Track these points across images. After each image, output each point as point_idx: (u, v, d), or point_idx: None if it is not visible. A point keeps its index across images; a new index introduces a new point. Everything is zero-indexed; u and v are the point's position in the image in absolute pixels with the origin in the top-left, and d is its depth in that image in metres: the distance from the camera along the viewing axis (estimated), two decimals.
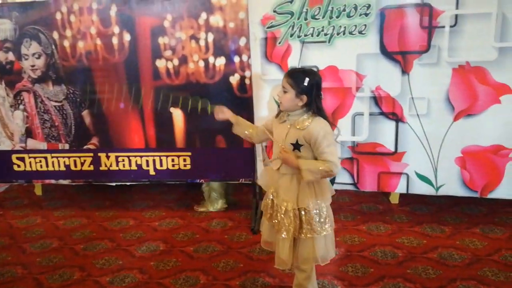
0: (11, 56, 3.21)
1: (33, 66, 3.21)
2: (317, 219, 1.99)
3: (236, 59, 3.03)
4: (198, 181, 3.38)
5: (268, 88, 2.98)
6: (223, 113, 2.31)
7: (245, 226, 3.24)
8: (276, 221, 2.06)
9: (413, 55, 2.74)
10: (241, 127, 2.30)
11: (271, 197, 2.11)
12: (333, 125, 2.04)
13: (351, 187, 3.10)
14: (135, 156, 3.33)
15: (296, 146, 1.97)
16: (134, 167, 3.34)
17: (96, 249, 2.97)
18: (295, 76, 1.93)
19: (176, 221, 3.38)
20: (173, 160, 3.31)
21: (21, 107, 3.31)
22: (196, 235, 3.13)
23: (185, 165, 3.30)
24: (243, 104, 3.11)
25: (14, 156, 3.43)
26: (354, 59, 2.80)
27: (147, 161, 3.32)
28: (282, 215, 2.02)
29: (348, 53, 2.80)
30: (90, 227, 3.33)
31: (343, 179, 3.07)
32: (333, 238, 2.12)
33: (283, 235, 2.02)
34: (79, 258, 2.86)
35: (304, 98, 1.91)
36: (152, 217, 3.47)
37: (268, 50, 2.91)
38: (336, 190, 3.14)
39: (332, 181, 3.07)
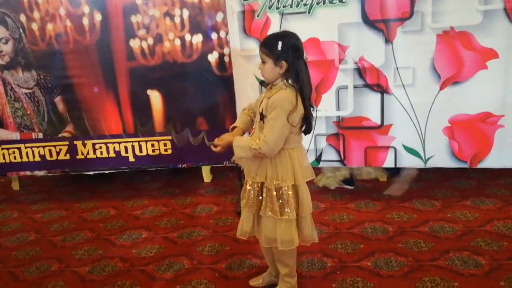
0: None
1: (0, 52, 3.05)
2: (277, 200, 1.85)
3: (214, 35, 2.92)
4: (180, 166, 3.27)
5: (248, 64, 2.87)
6: (221, 141, 1.93)
7: (231, 210, 3.14)
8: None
9: (396, 23, 2.64)
10: (243, 122, 2.01)
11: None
12: (304, 98, 1.80)
13: (338, 164, 3.01)
14: (113, 143, 3.20)
15: (261, 116, 1.84)
16: (112, 154, 3.22)
17: (75, 240, 2.84)
18: (269, 42, 1.81)
19: (159, 209, 3.26)
20: (153, 145, 3.19)
21: None
22: (180, 221, 3.01)
23: (165, 150, 3.19)
24: (223, 83, 3.01)
25: None
26: (336, 30, 2.70)
27: (125, 147, 3.20)
28: (245, 185, 1.94)
29: (329, 23, 2.69)
30: (69, 218, 3.19)
31: (329, 156, 2.98)
32: (306, 224, 1.94)
33: (243, 204, 1.95)
34: (57, 250, 2.73)
35: (283, 64, 1.78)
36: (134, 206, 3.34)
37: (246, 24, 2.79)
38: (321, 168, 3.06)
39: (318, 159, 2.99)
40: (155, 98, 3.09)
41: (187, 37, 2.93)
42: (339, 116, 2.88)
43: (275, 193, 1.84)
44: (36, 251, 2.72)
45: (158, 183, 3.84)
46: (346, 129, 2.89)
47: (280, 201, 1.85)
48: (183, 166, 3.27)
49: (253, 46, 2.81)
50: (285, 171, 1.84)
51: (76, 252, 2.67)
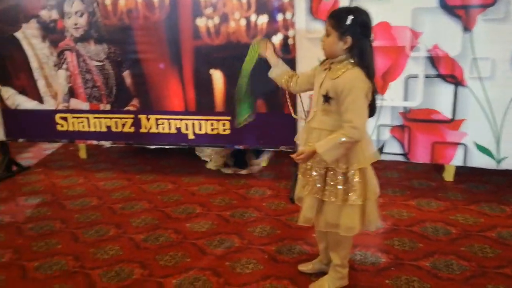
0: (54, 14, 3.22)
1: (75, 24, 3.20)
2: (342, 185, 1.77)
3: (279, 16, 2.85)
4: (237, 147, 3.28)
5: (313, 47, 2.78)
6: (265, 48, 2.10)
7: (284, 195, 3.10)
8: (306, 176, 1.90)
9: (477, 9, 2.43)
10: (280, 71, 2.08)
11: None
12: (370, 80, 1.71)
13: (401, 158, 2.86)
14: (175, 119, 3.26)
15: (326, 98, 1.75)
16: (173, 130, 3.29)
17: (133, 208, 2.96)
18: (337, 15, 1.71)
19: (214, 187, 3.31)
20: (212, 125, 3.21)
21: (64, 66, 3.33)
22: (233, 201, 3.04)
23: (224, 130, 3.20)
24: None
25: (57, 116, 3.48)
26: (409, 14, 2.54)
27: (186, 124, 3.25)
28: (308, 171, 1.86)
29: (403, 7, 2.54)
30: (130, 188, 3.34)
31: (392, 148, 2.84)
32: (373, 207, 1.86)
33: (306, 191, 1.87)
34: (116, 216, 2.86)
35: (348, 39, 1.69)
36: (191, 182, 3.42)
37: (313, 5, 2.71)
38: (382, 161, 2.92)
39: (380, 151, 2.85)
40: (217, 77, 3.10)
41: (253, 17, 2.89)
42: (406, 107, 2.72)
43: (340, 177, 1.77)
44: (96, 216, 2.87)
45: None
46: (413, 121, 2.73)
47: (345, 186, 1.77)
48: (240, 147, 3.26)
49: (320, 29, 2.73)
50: (354, 155, 1.76)
51: (134, 220, 2.77)
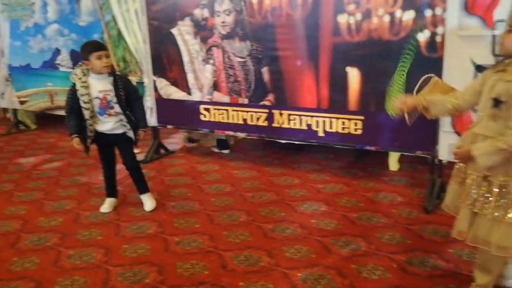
0: (206, 13, 3.51)
1: (223, 22, 3.44)
2: (494, 198, 1.60)
3: (428, 12, 2.67)
4: (367, 148, 3.17)
5: (465, 46, 2.54)
6: (405, 104, 1.89)
7: (416, 204, 2.92)
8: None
9: None
10: (439, 105, 1.85)
11: None
12: None
13: None
14: (306, 116, 3.30)
15: (497, 102, 1.59)
16: (304, 126, 3.33)
17: (262, 198, 3.10)
18: None
19: (341, 187, 3.27)
20: (343, 123, 3.17)
21: (211, 61, 3.61)
22: (360, 203, 2.96)
23: (355, 130, 3.13)
24: (430, 65, 2.74)
25: (201, 107, 3.80)
26: None
27: (317, 121, 3.26)
28: (468, 180, 1.71)
29: None
30: (259, 179, 3.49)
31: None
32: None
33: (461, 200, 1.74)
34: (247, 204, 3.02)
35: None
36: (317, 180, 3.43)
37: (469, 0, 2.46)
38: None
39: None
40: (354, 75, 3.04)
41: (398, 13, 2.76)
42: None
43: (496, 189, 1.61)
44: (230, 202, 3.07)
45: (341, 162, 3.84)
46: None
47: (502, 201, 1.60)
48: (372, 148, 3.15)
49: (474, 26, 2.47)
50: None
51: (262, 210, 2.90)
